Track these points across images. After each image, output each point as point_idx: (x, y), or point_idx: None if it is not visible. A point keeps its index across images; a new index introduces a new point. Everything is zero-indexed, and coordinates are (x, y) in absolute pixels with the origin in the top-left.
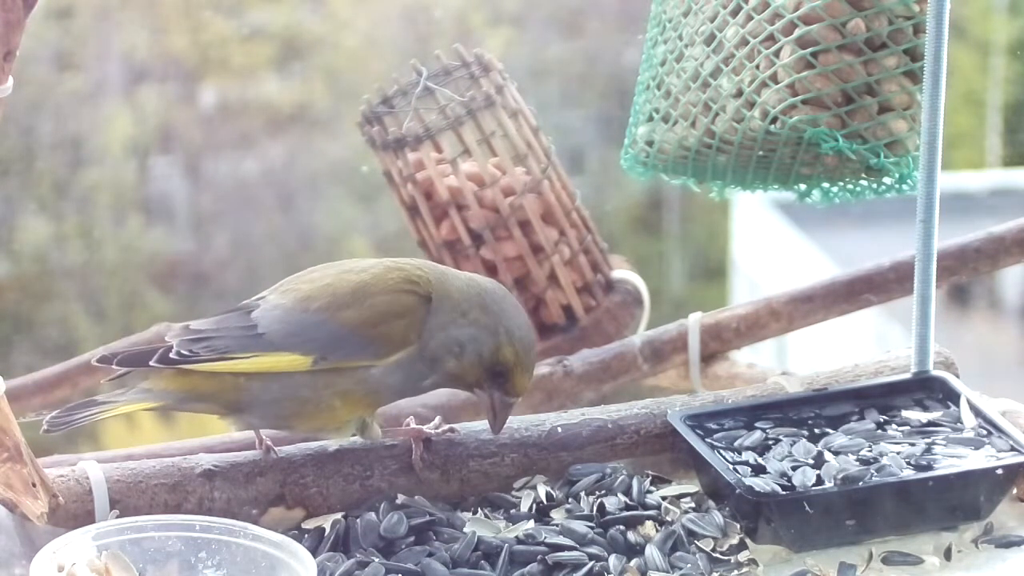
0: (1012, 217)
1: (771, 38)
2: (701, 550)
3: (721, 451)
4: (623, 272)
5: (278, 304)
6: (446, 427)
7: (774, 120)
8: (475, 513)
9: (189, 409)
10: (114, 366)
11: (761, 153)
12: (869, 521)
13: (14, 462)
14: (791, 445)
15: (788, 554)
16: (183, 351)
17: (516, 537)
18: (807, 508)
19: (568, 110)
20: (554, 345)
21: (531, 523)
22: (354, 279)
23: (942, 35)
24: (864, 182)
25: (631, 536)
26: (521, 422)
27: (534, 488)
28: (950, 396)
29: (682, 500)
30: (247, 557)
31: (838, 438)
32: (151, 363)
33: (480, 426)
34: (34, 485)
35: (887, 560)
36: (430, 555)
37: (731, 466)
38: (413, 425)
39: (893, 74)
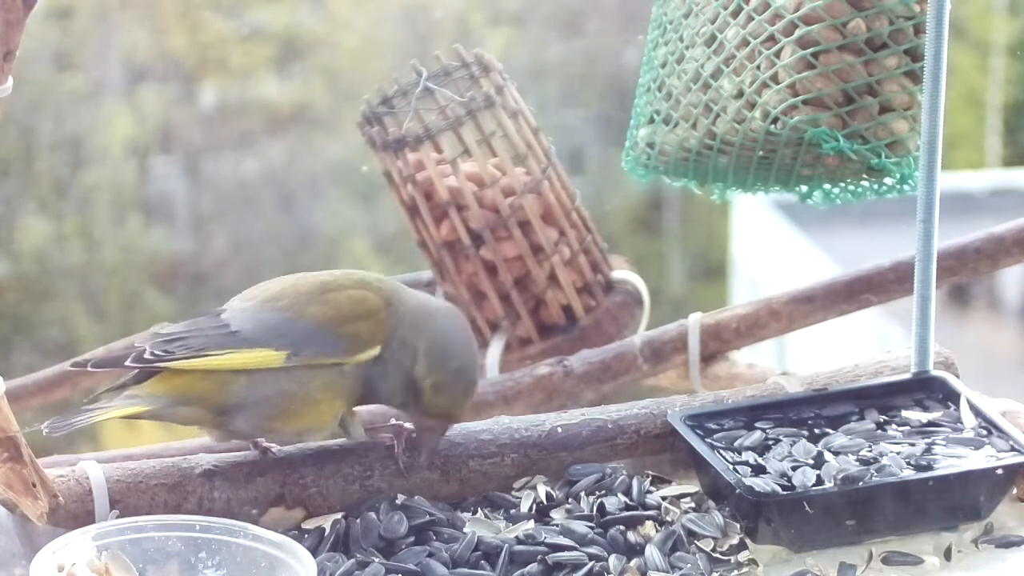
0: (1012, 217)
1: (772, 39)
2: (701, 550)
3: (721, 451)
4: (623, 272)
5: (245, 306)
6: None
7: (775, 121)
8: (475, 513)
9: (177, 416)
10: (89, 368)
11: (762, 154)
12: (869, 521)
13: (14, 462)
14: (791, 445)
15: (788, 554)
16: (157, 351)
17: (516, 537)
18: (807, 508)
19: (568, 110)
20: (554, 345)
21: (531, 523)
22: (313, 279)
23: (942, 35)
24: (865, 183)
25: (631, 536)
26: (521, 422)
27: (534, 488)
28: (950, 396)
29: (682, 500)
30: (247, 557)
31: (838, 438)
32: (126, 363)
33: (480, 426)
34: (34, 485)
35: (887, 560)
36: (430, 555)
37: (731, 466)
38: (394, 422)
39: (894, 74)
